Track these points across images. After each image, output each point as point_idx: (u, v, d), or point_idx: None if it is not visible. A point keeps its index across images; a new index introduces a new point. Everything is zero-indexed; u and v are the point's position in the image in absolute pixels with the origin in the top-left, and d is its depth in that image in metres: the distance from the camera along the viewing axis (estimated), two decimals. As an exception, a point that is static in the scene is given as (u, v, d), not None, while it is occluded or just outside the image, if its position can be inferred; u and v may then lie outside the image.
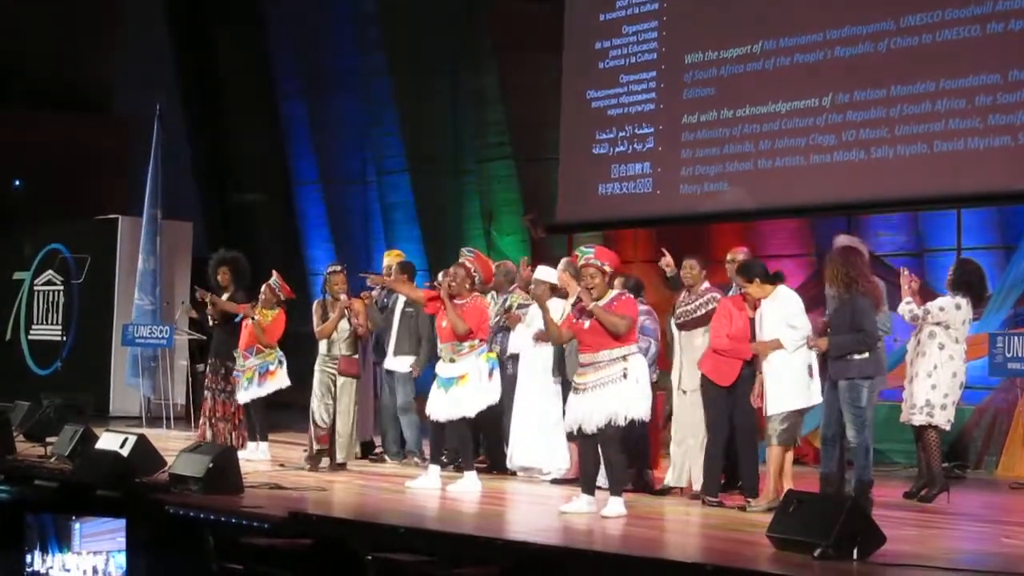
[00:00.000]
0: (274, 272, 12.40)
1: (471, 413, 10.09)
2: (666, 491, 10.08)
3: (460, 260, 10.43)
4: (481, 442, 11.57)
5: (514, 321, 11.24)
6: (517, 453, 11.06)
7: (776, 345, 9.13)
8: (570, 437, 9.46)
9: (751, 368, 9.40)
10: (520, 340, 11.19)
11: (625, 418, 8.75)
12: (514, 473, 11.18)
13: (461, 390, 10.08)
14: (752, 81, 13.79)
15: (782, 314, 9.15)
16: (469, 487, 10.03)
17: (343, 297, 11.34)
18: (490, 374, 10.18)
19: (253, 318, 12.07)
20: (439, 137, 19.07)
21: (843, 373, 8.86)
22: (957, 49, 12.33)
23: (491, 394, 10.21)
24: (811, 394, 9.18)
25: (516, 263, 12.25)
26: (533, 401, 10.92)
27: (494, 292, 11.68)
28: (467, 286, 10.28)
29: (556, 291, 10.97)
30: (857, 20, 13.00)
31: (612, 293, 8.93)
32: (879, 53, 12.86)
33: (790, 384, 9.09)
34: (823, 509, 7.28)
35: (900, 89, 12.66)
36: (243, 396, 12.11)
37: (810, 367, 9.16)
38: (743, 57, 13.91)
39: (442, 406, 10.14)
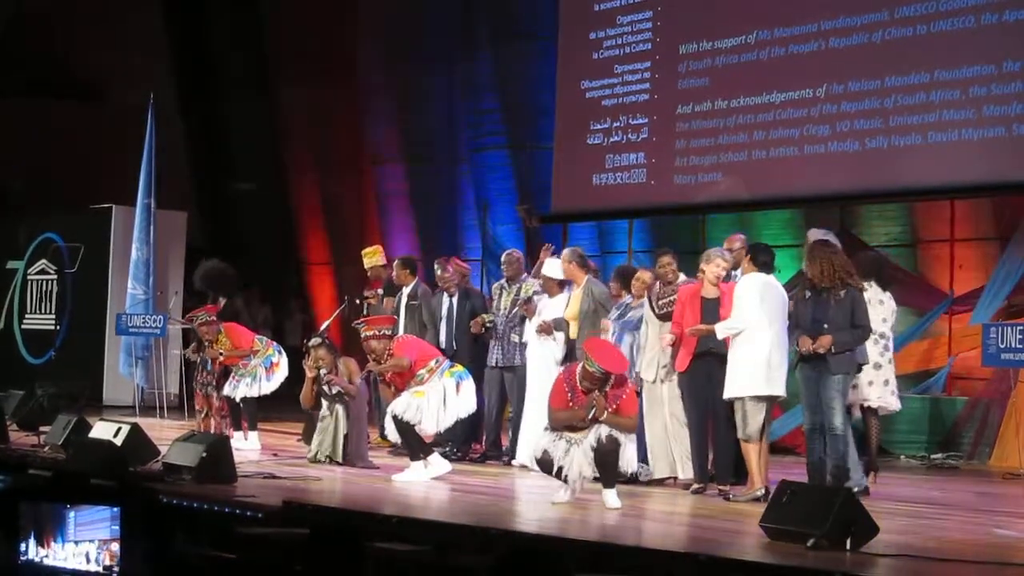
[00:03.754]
0: (191, 317, 12.65)
1: (428, 431, 10.15)
2: (655, 481, 10.10)
3: (363, 338, 10.32)
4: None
5: (531, 312, 11.18)
6: (523, 448, 10.99)
7: (708, 330, 9.25)
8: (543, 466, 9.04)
9: (722, 356, 9.43)
10: (533, 331, 11.18)
11: (629, 465, 8.86)
12: (509, 464, 11.19)
13: (414, 399, 10.06)
14: (746, 71, 13.79)
15: (734, 301, 9.19)
16: (414, 475, 10.05)
17: (330, 378, 11.01)
18: (457, 387, 10.17)
19: (221, 355, 12.16)
20: (434, 126, 19.06)
21: (842, 367, 8.84)
22: (951, 40, 12.33)
23: (461, 407, 10.21)
24: (774, 385, 9.15)
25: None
26: (540, 396, 10.91)
27: (505, 282, 11.67)
28: (387, 348, 10.24)
29: (563, 284, 11.03)
30: (851, 10, 13.00)
31: (609, 384, 8.79)
32: (873, 44, 12.86)
33: (751, 370, 9.08)
34: (816, 499, 7.29)
35: (894, 80, 12.66)
36: (247, 391, 12.08)
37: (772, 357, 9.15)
38: (737, 48, 13.90)
39: (395, 403, 10.15)
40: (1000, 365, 11.63)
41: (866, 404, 10.05)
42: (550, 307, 11.09)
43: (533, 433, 10.83)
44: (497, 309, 11.58)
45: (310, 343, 11.39)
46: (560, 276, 11.04)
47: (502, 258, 11.99)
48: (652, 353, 10.00)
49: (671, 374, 9.86)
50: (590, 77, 15.30)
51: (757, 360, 9.06)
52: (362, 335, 10.39)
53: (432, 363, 10.21)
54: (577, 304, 10.80)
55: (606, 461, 8.74)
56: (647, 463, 10.10)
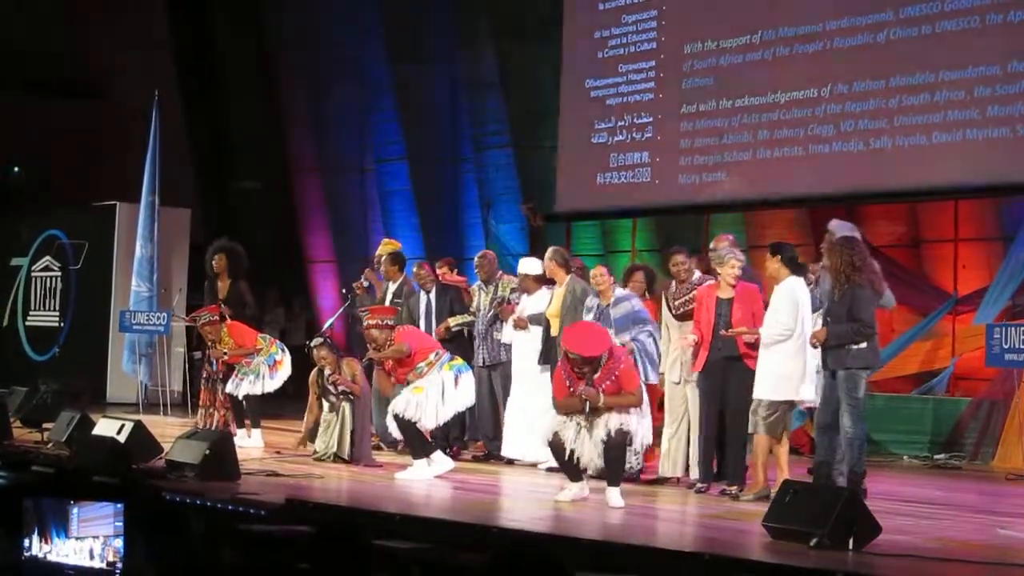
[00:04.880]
0: (194, 317, 12.65)
1: (428, 425, 10.15)
2: (662, 480, 10.11)
3: (365, 326, 10.39)
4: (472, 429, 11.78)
5: (507, 313, 11.27)
6: (510, 443, 11.10)
7: (751, 335, 9.24)
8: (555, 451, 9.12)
9: (736, 357, 9.44)
10: (512, 330, 11.24)
11: (642, 443, 8.96)
12: (510, 462, 11.20)
13: (413, 395, 10.09)
14: (751, 71, 13.79)
15: (774, 305, 9.22)
16: (418, 474, 10.06)
17: (333, 375, 11.10)
18: (456, 381, 10.20)
19: (225, 354, 12.16)
20: (437, 125, 19.06)
21: (842, 363, 8.81)
22: (956, 40, 12.32)
23: (460, 401, 10.27)
24: (802, 390, 9.15)
25: (515, 251, 12.31)
26: (525, 391, 10.96)
27: (482, 282, 11.74)
28: (388, 336, 10.26)
29: (544, 280, 11.08)
30: (856, 10, 13.00)
31: (602, 360, 8.84)
32: (878, 44, 12.85)
33: (780, 374, 9.10)
34: (819, 499, 7.29)
35: (899, 80, 12.66)
36: (250, 388, 12.08)
37: (815, 364, 9.14)
38: (742, 47, 13.90)
39: (395, 402, 10.18)
40: (1004, 366, 11.64)
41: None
42: (530, 304, 11.16)
43: (518, 427, 10.93)
44: (477, 309, 11.67)
45: (311, 343, 11.41)
46: (535, 272, 11.14)
47: (475, 260, 12.05)
48: (675, 354, 10.01)
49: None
50: (594, 76, 15.30)
51: (793, 366, 9.09)
52: (364, 323, 10.42)
53: (432, 356, 10.22)
54: (559, 302, 10.86)
55: (611, 457, 8.76)
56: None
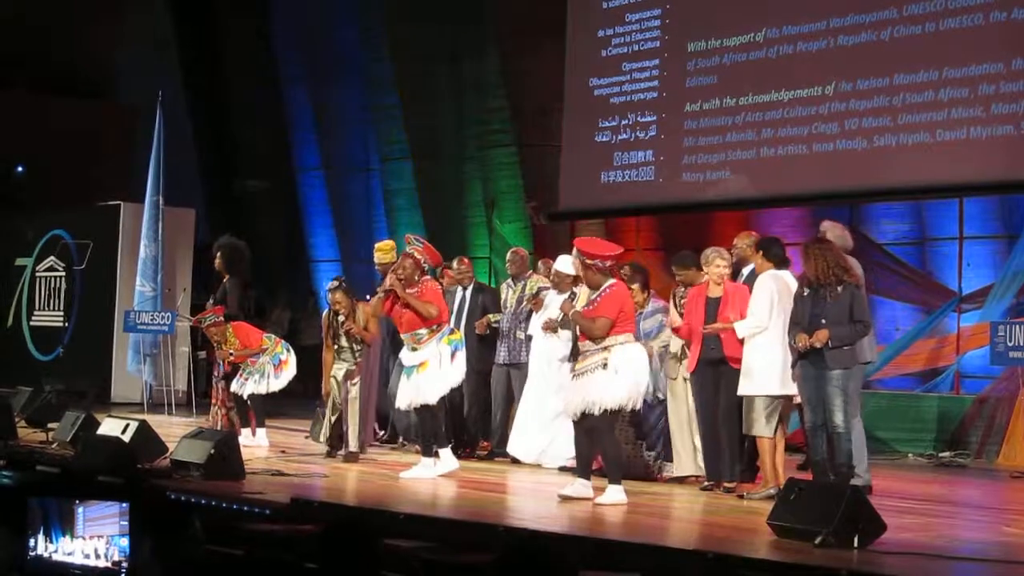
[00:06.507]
0: (199, 319, 12.62)
1: (432, 400, 10.12)
2: (680, 479, 10.09)
3: (407, 250, 10.36)
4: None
5: (539, 306, 11.21)
6: (518, 440, 11.08)
7: (724, 328, 9.25)
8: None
9: (720, 359, 9.44)
10: (538, 322, 11.21)
11: (599, 408, 8.78)
12: (515, 460, 11.20)
13: (420, 377, 10.12)
14: (755, 69, 13.79)
15: (751, 299, 9.21)
16: (422, 472, 10.05)
17: (346, 321, 11.11)
18: (452, 356, 10.19)
19: (231, 355, 12.15)
20: (441, 124, 19.06)
21: (839, 362, 8.80)
22: (960, 38, 12.32)
23: (453, 377, 10.24)
24: (785, 384, 9.14)
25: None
26: (539, 390, 10.94)
27: (511, 279, 11.72)
28: (416, 276, 10.25)
29: (578, 280, 11.04)
30: (860, 8, 13.00)
31: (606, 283, 8.91)
32: (882, 41, 12.85)
33: (762, 369, 9.08)
34: (824, 497, 7.29)
35: (903, 78, 12.65)
36: (255, 388, 12.08)
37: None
38: (746, 45, 13.90)
39: (404, 394, 10.20)
40: (1008, 363, 11.64)
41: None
42: (557, 302, 11.10)
43: (526, 426, 10.92)
44: (504, 306, 11.61)
45: (328, 287, 11.41)
46: (572, 272, 11.07)
47: (507, 256, 12.01)
48: (674, 350, 10.03)
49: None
50: (598, 75, 15.30)
51: (773, 360, 9.07)
52: (407, 248, 10.36)
53: (435, 325, 10.22)
54: (584, 300, 10.79)
55: (600, 445, 8.85)
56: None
